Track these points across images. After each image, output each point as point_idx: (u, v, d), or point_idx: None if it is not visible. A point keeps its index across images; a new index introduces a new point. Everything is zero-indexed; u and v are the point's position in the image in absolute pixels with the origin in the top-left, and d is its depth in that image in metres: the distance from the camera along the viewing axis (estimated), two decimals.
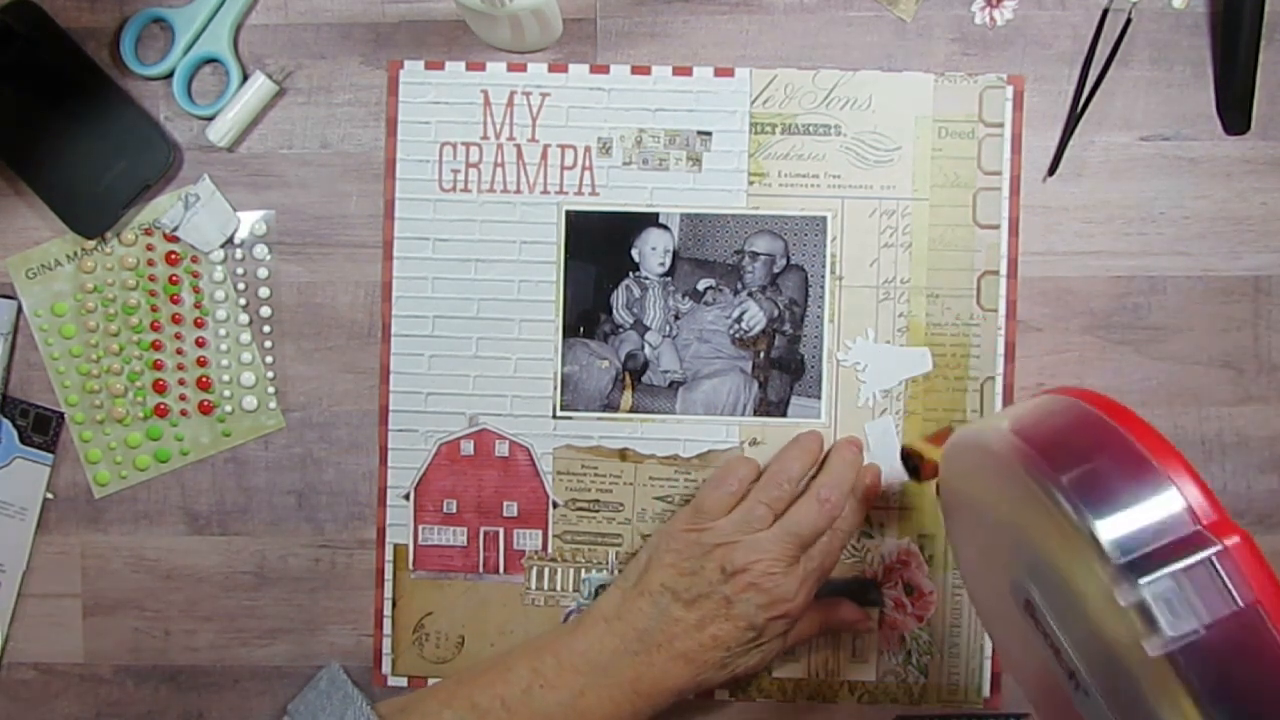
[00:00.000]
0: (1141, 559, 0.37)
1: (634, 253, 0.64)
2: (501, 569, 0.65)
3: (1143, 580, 0.36)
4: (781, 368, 0.64)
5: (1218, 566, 0.36)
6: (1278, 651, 0.36)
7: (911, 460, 0.60)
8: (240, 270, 0.65)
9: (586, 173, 0.64)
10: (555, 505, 0.64)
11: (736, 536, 0.57)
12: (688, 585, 0.57)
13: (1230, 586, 0.36)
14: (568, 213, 0.64)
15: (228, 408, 0.65)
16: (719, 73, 0.64)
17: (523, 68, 0.64)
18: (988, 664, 0.64)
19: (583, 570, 0.64)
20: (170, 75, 0.64)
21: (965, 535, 0.53)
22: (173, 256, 0.64)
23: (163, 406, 0.65)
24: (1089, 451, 0.40)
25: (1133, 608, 0.36)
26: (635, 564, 0.60)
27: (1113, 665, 0.39)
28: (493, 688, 0.56)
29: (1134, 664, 0.37)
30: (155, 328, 0.65)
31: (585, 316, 0.64)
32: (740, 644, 0.57)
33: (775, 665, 0.64)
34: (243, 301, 0.65)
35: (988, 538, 0.49)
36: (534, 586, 0.64)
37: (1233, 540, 0.37)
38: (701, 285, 0.64)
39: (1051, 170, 0.64)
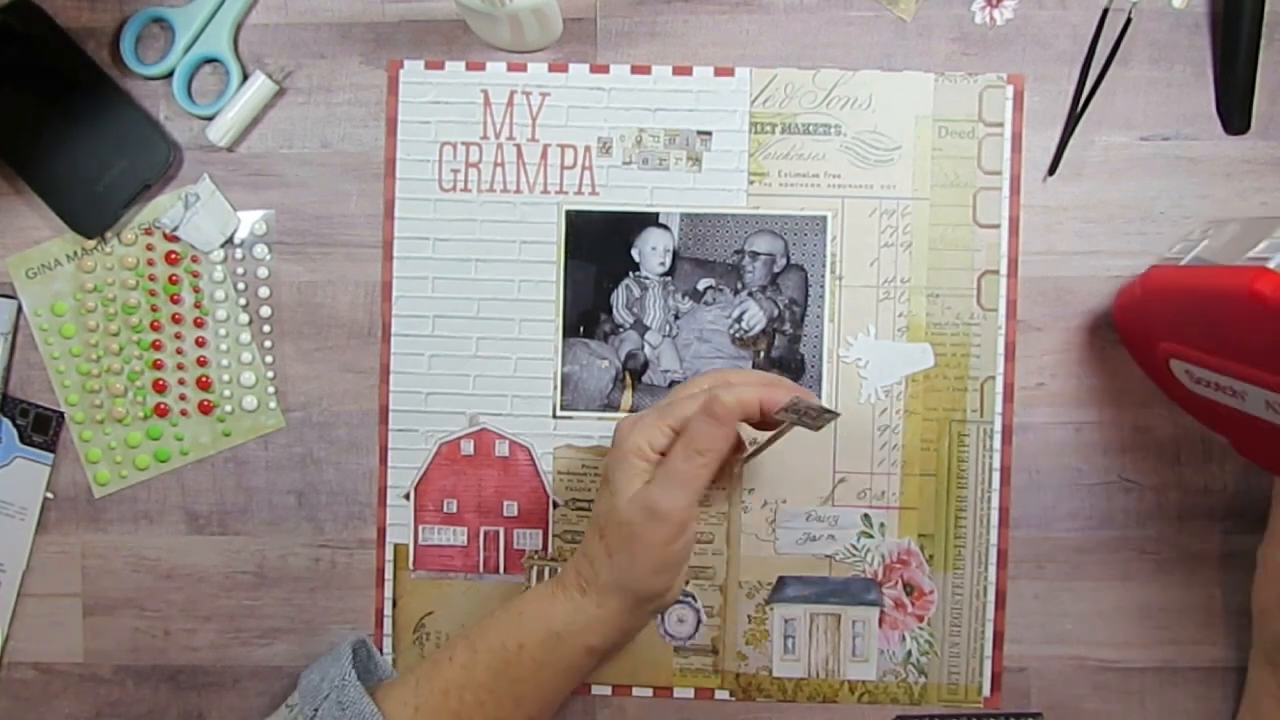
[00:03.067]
0: None
1: (634, 252, 0.64)
2: (502, 569, 0.65)
3: None
4: (781, 367, 0.64)
5: None
6: None
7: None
8: (240, 270, 0.65)
9: (586, 172, 0.64)
10: (555, 505, 0.64)
11: None
12: None
13: None
14: (568, 213, 0.64)
15: (228, 407, 0.65)
16: (719, 72, 0.64)
17: (523, 67, 0.64)
18: (988, 664, 0.64)
19: None
20: (170, 75, 0.64)
21: None
22: (173, 256, 0.64)
23: (163, 406, 0.65)
24: None
25: None
26: None
27: None
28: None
29: None
30: (155, 328, 0.65)
31: (585, 316, 0.64)
32: (598, 497, 0.58)
33: (776, 665, 0.64)
34: (243, 301, 0.65)
35: None
36: (534, 586, 0.64)
37: None
38: (701, 285, 0.64)
39: (1051, 170, 0.64)
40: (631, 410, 0.64)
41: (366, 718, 0.53)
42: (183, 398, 0.65)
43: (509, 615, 0.57)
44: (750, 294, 0.64)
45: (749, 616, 0.64)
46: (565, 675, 0.56)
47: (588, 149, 0.64)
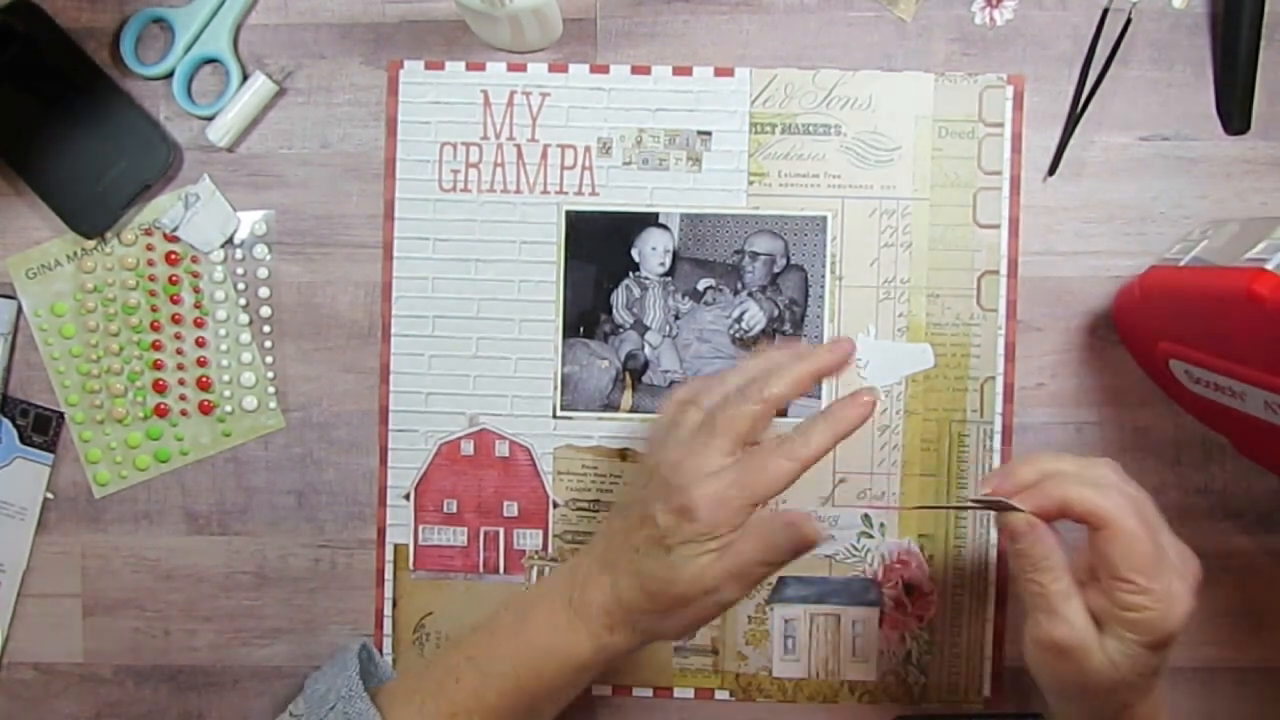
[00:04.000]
0: None
1: (634, 253, 0.64)
2: (502, 569, 0.65)
3: None
4: None
5: None
6: None
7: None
8: (240, 270, 0.65)
9: (586, 173, 0.64)
10: (555, 505, 0.64)
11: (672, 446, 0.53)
12: (628, 496, 0.56)
13: None
14: (568, 213, 0.64)
15: (228, 408, 0.65)
16: (719, 73, 0.64)
17: (523, 68, 0.64)
18: (988, 664, 0.64)
19: None
20: (170, 75, 0.64)
21: None
22: (173, 256, 0.64)
23: (163, 406, 0.65)
24: None
25: None
26: None
27: None
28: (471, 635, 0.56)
29: None
30: (155, 328, 0.65)
31: (585, 316, 0.64)
32: (644, 540, 0.51)
33: (776, 665, 0.64)
34: (243, 301, 0.65)
35: None
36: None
37: None
38: (701, 285, 0.64)
39: (1051, 170, 0.64)
40: (631, 411, 0.64)
41: None
42: (183, 398, 0.65)
43: (517, 641, 0.55)
44: (750, 294, 0.64)
45: (749, 616, 0.64)
46: (570, 692, 0.56)
47: (588, 149, 0.64)
